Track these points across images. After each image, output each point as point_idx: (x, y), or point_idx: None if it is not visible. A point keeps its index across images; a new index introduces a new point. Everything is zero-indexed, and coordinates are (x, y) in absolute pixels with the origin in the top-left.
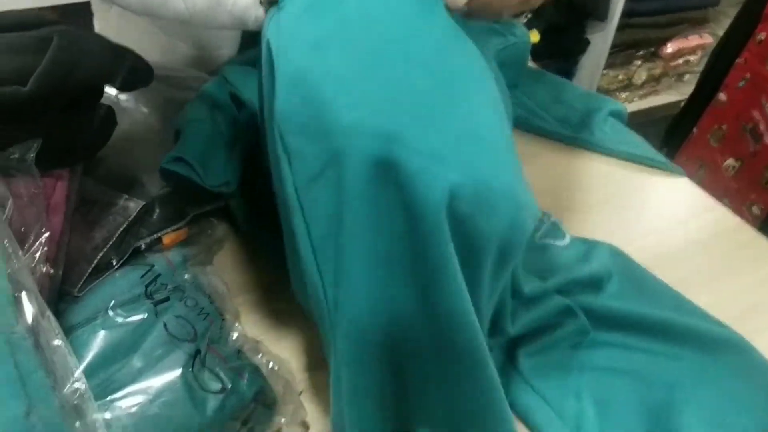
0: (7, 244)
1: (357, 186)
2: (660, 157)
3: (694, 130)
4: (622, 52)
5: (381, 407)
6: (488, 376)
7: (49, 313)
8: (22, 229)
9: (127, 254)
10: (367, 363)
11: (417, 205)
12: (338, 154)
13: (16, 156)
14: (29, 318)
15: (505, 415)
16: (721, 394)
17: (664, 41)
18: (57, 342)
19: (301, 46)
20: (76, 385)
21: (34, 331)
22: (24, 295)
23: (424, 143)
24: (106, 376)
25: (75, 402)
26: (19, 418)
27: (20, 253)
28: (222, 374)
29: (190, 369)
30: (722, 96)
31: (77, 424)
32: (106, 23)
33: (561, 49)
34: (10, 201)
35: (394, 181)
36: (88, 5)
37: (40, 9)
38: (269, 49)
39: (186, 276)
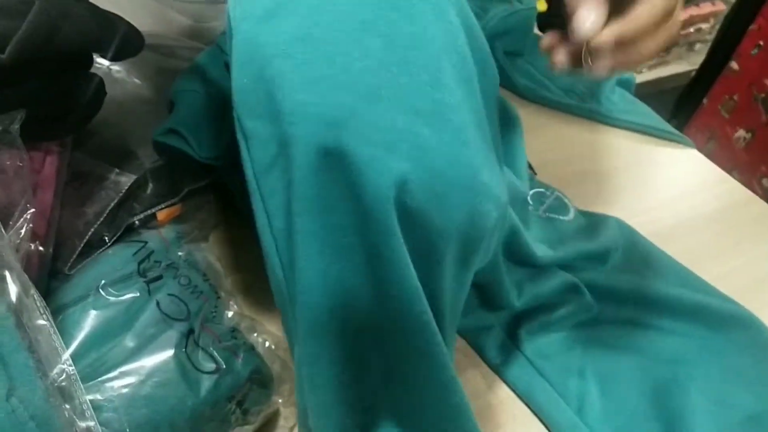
0: None
1: (303, 176)
2: (669, 128)
3: (705, 100)
4: None
5: (342, 400)
6: (444, 378)
7: (34, 291)
8: (7, 204)
9: (121, 230)
10: (325, 356)
11: (365, 198)
12: (286, 140)
13: (0, 128)
14: (13, 297)
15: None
16: (728, 370)
17: None
18: (41, 321)
19: (253, 15)
20: (63, 366)
21: (17, 310)
22: (7, 273)
23: (375, 129)
24: (98, 356)
25: (62, 384)
26: (1, 401)
27: (3, 231)
28: (216, 354)
29: (184, 349)
30: (734, 65)
31: (66, 406)
32: None
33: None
34: None
35: (342, 171)
36: None
37: None
38: (228, 20)
39: (180, 253)
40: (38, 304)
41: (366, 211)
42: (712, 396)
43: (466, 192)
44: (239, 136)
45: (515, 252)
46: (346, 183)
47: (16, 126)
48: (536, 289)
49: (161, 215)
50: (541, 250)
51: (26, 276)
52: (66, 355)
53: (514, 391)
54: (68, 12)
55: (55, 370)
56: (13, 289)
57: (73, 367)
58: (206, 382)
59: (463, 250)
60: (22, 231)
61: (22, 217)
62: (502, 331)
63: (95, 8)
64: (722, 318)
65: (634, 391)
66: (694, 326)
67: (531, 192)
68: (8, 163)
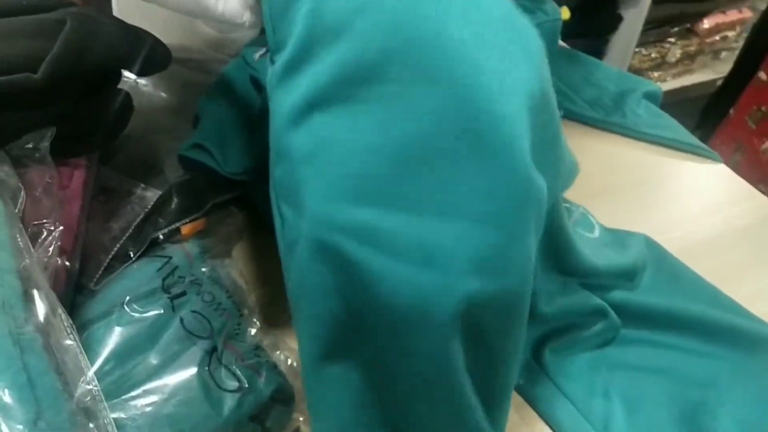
0: (18, 240)
1: (300, 267)
2: (696, 141)
3: (731, 110)
4: (655, 29)
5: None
6: None
7: (61, 310)
8: (36, 221)
9: (145, 245)
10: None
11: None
12: (298, 237)
13: (30, 145)
14: (41, 317)
15: None
16: (758, 394)
17: (701, 16)
18: (68, 342)
19: (284, 112)
20: (88, 386)
21: (44, 330)
22: (35, 292)
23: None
24: (122, 373)
25: (87, 404)
26: (29, 425)
27: (32, 248)
28: (239, 372)
29: (207, 367)
30: (762, 75)
31: (90, 425)
32: (126, 4)
33: (592, 27)
34: (23, 193)
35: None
36: None
37: None
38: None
39: (204, 269)
40: (65, 323)
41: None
42: (744, 420)
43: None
44: (275, 212)
45: (555, 253)
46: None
47: (46, 143)
48: (567, 301)
49: (185, 229)
50: (584, 255)
51: (54, 295)
52: (91, 374)
53: (536, 411)
54: (98, 31)
55: (81, 390)
56: (41, 309)
57: (99, 387)
58: (229, 401)
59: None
60: (51, 248)
61: (50, 234)
62: (526, 348)
63: (124, 25)
64: (753, 340)
65: (661, 414)
66: (724, 348)
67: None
68: (37, 180)
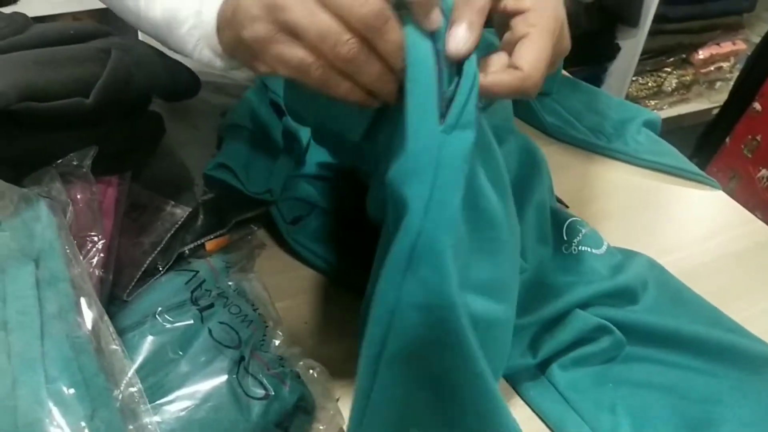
0: (68, 250)
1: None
2: (695, 168)
3: (727, 139)
4: (652, 58)
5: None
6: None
7: (106, 317)
8: (80, 234)
9: (173, 259)
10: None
11: None
12: None
13: (75, 163)
14: (89, 323)
15: None
16: (760, 411)
17: (696, 47)
18: (114, 346)
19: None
20: (131, 388)
21: (94, 335)
22: (83, 300)
23: None
24: (155, 380)
25: (130, 405)
26: (86, 420)
27: (80, 258)
28: (265, 380)
29: (235, 375)
30: (757, 105)
31: (131, 427)
32: None
33: (592, 56)
34: (70, 207)
35: None
36: None
37: (96, 21)
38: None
39: (229, 283)
40: (110, 329)
41: None
42: None
43: None
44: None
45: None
46: None
47: (89, 162)
48: (556, 339)
49: (210, 245)
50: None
51: (99, 302)
52: (134, 375)
53: (546, 424)
54: (140, 60)
55: (126, 392)
56: (89, 315)
57: (141, 388)
58: (256, 408)
59: None
60: (95, 259)
61: (94, 245)
62: (535, 365)
63: (162, 55)
64: (754, 359)
65: (666, 429)
66: (725, 366)
67: (568, 221)
68: (80, 195)
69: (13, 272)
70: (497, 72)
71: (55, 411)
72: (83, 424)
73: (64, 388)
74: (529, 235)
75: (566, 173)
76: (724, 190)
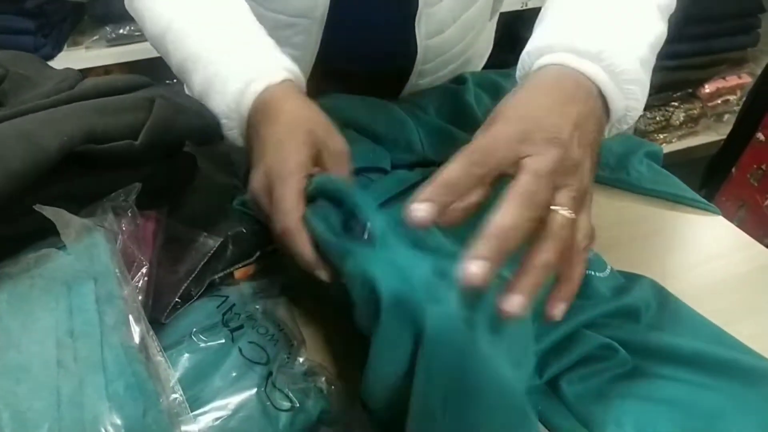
0: (118, 273)
1: None
2: (695, 196)
3: (734, 170)
4: (659, 93)
5: None
6: None
7: (152, 332)
8: (127, 261)
9: (205, 286)
10: None
11: None
12: None
13: (122, 198)
14: (137, 336)
15: None
16: (763, 424)
17: (702, 82)
18: (159, 357)
19: None
20: (174, 396)
21: (143, 346)
22: (131, 316)
23: None
24: (192, 393)
25: (174, 410)
26: (139, 418)
27: (129, 280)
28: (291, 394)
29: (264, 389)
30: (760, 135)
31: (176, 431)
32: None
33: None
34: (120, 237)
35: None
36: None
37: (125, 72)
38: None
39: (257, 306)
40: (155, 342)
41: None
42: None
43: None
44: None
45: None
46: None
47: (133, 197)
48: (562, 361)
49: (238, 273)
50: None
51: (145, 319)
52: (177, 385)
53: None
54: (181, 108)
55: (170, 398)
56: (136, 330)
57: (183, 397)
58: (283, 419)
59: None
60: (140, 282)
61: (139, 271)
62: (542, 381)
63: (198, 105)
64: (756, 374)
65: None
66: (728, 381)
67: None
68: (126, 227)
69: (78, 289)
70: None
71: (115, 409)
72: (138, 420)
73: (121, 389)
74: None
75: None
76: (733, 220)
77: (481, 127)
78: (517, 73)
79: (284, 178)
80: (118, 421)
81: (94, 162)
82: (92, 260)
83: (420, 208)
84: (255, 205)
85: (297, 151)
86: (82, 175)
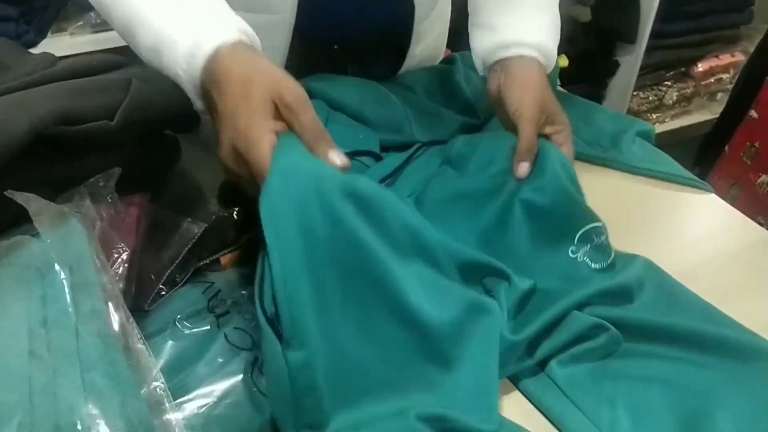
0: (97, 260)
1: None
2: (688, 174)
3: (726, 148)
4: (652, 73)
5: None
6: None
7: (132, 319)
8: (106, 248)
9: (190, 273)
10: None
11: None
12: None
13: (101, 183)
14: (116, 324)
15: None
16: (755, 400)
17: (695, 61)
18: (140, 345)
19: None
20: (155, 383)
21: (122, 334)
22: (111, 303)
23: None
24: (177, 380)
25: (156, 400)
26: (117, 408)
27: (108, 268)
28: None
29: (250, 374)
30: (754, 113)
31: (156, 421)
32: None
33: (591, 73)
34: (98, 223)
35: None
36: None
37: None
38: None
39: (243, 292)
40: (135, 330)
41: None
42: (741, 425)
43: None
44: None
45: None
46: None
47: (113, 182)
48: (553, 341)
49: (224, 260)
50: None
51: (125, 305)
52: (159, 374)
53: (547, 418)
54: (158, 89)
55: (151, 386)
56: (115, 318)
57: (165, 385)
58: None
59: None
60: (120, 269)
61: (119, 257)
62: (535, 361)
63: (175, 86)
64: (748, 351)
65: (665, 420)
66: (720, 359)
67: (586, 228)
68: (106, 213)
69: (52, 277)
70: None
71: (91, 399)
72: (115, 410)
73: (98, 378)
74: (520, 238)
75: None
76: (726, 198)
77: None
78: (481, 59)
79: (252, 146)
80: (95, 412)
81: (70, 145)
82: (67, 247)
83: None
84: (233, 175)
85: (256, 115)
86: (57, 159)
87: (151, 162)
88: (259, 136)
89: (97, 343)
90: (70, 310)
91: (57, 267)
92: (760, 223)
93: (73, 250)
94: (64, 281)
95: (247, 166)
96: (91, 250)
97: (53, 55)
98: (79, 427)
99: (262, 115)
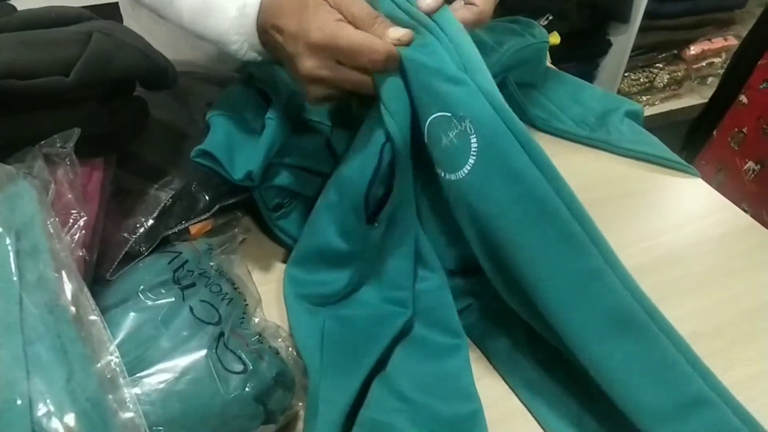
0: (49, 225)
1: None
2: (675, 157)
3: (714, 133)
4: (643, 54)
5: None
6: None
7: (86, 290)
8: (62, 213)
9: (156, 242)
10: None
11: None
12: None
13: (59, 145)
14: (68, 294)
15: None
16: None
17: (688, 43)
18: (93, 317)
19: None
20: (110, 358)
21: (73, 305)
22: (64, 272)
23: None
24: (137, 354)
25: (108, 375)
26: (63, 383)
27: (62, 234)
28: (243, 356)
29: (214, 350)
30: (743, 98)
31: (110, 396)
32: (136, 23)
33: (583, 52)
34: (52, 186)
35: None
36: (116, 6)
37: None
38: None
39: (211, 263)
40: (90, 301)
41: None
42: None
43: None
44: None
45: None
46: None
47: (71, 144)
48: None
49: (194, 229)
50: None
51: (79, 275)
52: (113, 346)
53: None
54: (121, 43)
55: (104, 360)
56: (68, 287)
57: (120, 359)
58: (234, 382)
59: None
60: (76, 236)
61: (75, 223)
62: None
63: (144, 43)
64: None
65: None
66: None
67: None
68: (64, 176)
69: None
70: (459, 10)
71: (33, 372)
72: (60, 385)
73: (43, 351)
74: None
75: None
76: (712, 183)
77: None
78: None
79: (337, 33)
80: (41, 386)
81: (19, 102)
82: (14, 210)
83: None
84: (321, 90)
85: (322, 13)
86: (5, 116)
87: (115, 124)
88: (336, 22)
89: (44, 314)
90: (14, 278)
91: (0, 230)
92: (744, 210)
93: (20, 214)
94: (9, 246)
95: (342, 55)
96: (42, 214)
97: (12, 5)
98: (18, 402)
99: (327, 10)
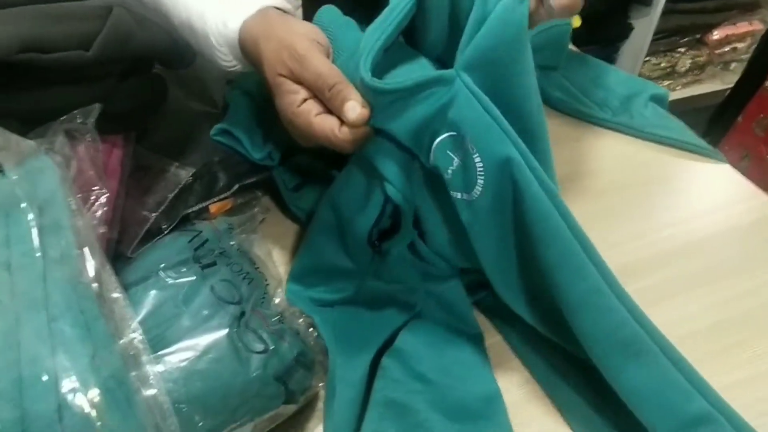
0: (71, 201)
1: None
2: (701, 142)
3: (739, 118)
4: (665, 38)
5: None
6: None
7: (108, 266)
8: (83, 189)
9: (176, 220)
10: None
11: None
12: None
13: (79, 120)
14: (91, 271)
15: None
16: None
17: (711, 28)
18: (116, 294)
19: None
20: (133, 335)
21: (96, 282)
22: (86, 249)
23: None
24: (158, 332)
25: (131, 353)
26: (88, 360)
27: (84, 211)
28: (264, 336)
29: (235, 329)
30: None
31: (133, 373)
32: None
33: (604, 35)
34: (74, 161)
35: None
36: None
37: None
38: None
39: (232, 243)
40: (112, 278)
41: None
42: None
43: None
44: None
45: None
46: None
47: (93, 119)
48: None
49: (214, 208)
50: None
51: (102, 252)
52: (136, 323)
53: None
54: (141, 19)
55: (127, 338)
56: (91, 264)
57: (143, 337)
58: (255, 361)
59: None
60: (98, 213)
61: (97, 201)
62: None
63: (162, 24)
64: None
65: None
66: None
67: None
68: (85, 152)
69: (17, 216)
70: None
71: (58, 348)
72: (84, 362)
73: (66, 328)
74: None
75: (571, 147)
76: (736, 169)
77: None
78: None
79: (294, 119)
80: (66, 363)
81: (40, 76)
82: (36, 186)
83: None
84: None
85: (288, 93)
86: (27, 90)
87: (134, 101)
88: (293, 112)
89: (68, 290)
90: (37, 254)
91: (23, 205)
92: None
93: (42, 189)
94: (32, 222)
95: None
96: (64, 190)
97: None
98: (44, 378)
99: (288, 90)
